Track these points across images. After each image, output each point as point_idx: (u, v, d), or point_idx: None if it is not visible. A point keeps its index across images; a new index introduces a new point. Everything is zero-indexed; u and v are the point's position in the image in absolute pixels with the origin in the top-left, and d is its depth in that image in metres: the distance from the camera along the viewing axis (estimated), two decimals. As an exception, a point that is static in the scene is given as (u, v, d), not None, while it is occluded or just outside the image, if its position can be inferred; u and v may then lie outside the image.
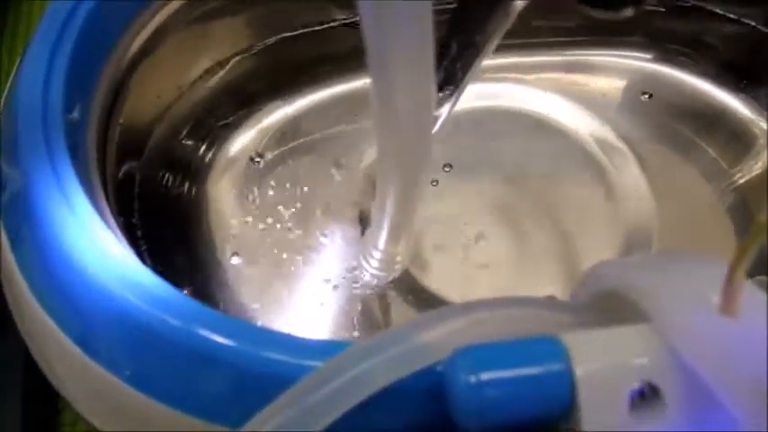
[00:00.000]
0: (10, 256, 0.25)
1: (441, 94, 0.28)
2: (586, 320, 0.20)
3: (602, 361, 0.18)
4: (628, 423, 0.17)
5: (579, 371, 0.17)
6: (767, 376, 0.16)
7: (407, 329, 0.19)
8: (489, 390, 0.17)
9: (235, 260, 0.34)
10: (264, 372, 0.20)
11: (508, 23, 0.24)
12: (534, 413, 0.18)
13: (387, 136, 0.22)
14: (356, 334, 0.32)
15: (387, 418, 0.20)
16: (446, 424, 0.19)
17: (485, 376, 0.17)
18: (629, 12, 0.19)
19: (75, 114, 0.27)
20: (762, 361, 0.16)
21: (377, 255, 0.29)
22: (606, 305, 0.20)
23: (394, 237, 0.27)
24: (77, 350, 0.23)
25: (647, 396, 0.17)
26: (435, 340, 0.19)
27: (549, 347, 0.18)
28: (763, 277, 0.32)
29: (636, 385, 0.17)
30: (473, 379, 0.17)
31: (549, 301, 0.21)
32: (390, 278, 0.32)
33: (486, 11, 0.24)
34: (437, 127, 0.29)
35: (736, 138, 0.38)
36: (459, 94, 0.28)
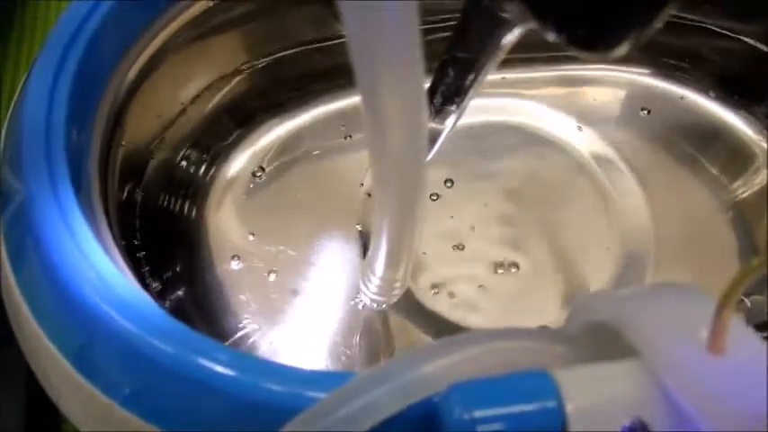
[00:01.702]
0: (10, 274, 0.25)
1: (438, 117, 0.28)
2: (579, 352, 0.20)
3: (592, 397, 0.18)
4: None
5: (570, 407, 0.18)
6: (751, 412, 0.16)
7: (407, 362, 0.19)
8: (482, 426, 0.18)
9: (236, 277, 0.34)
10: (259, 401, 0.21)
11: (502, 55, 0.24)
12: None
13: (381, 165, 0.22)
14: (357, 353, 0.33)
15: None
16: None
17: (478, 413, 0.18)
18: (621, 50, 0.19)
19: (79, 134, 0.27)
20: (748, 399, 0.17)
21: (376, 281, 0.29)
22: (598, 336, 0.20)
23: (392, 264, 0.27)
24: (74, 371, 0.23)
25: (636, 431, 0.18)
26: (434, 373, 0.19)
27: (541, 384, 0.18)
28: (758, 296, 0.32)
29: (626, 421, 0.18)
30: (466, 416, 0.18)
31: (544, 333, 0.21)
32: (390, 302, 0.32)
33: (480, 43, 0.24)
34: (437, 146, 0.29)
35: (734, 153, 0.38)
36: (460, 114, 0.28)
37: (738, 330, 0.18)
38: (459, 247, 0.35)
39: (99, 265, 0.23)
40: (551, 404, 0.18)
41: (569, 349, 0.20)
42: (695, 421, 0.17)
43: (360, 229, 0.36)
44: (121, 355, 0.22)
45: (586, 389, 0.18)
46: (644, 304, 0.20)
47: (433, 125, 0.28)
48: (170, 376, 0.21)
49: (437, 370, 0.19)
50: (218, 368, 0.21)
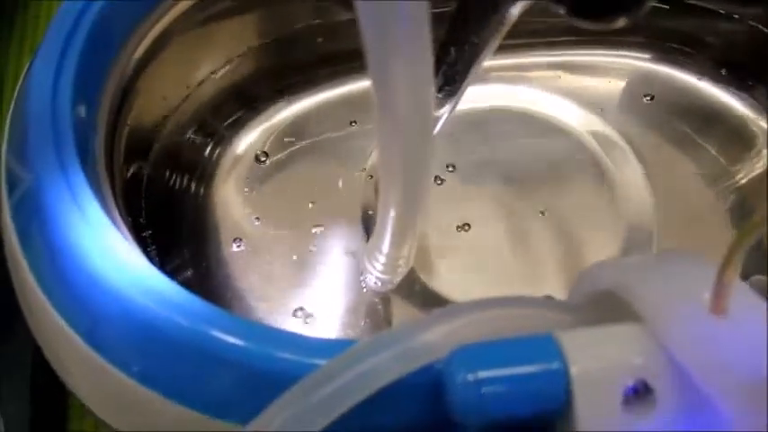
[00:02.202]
0: (19, 255, 0.25)
1: (440, 96, 0.29)
2: (583, 319, 0.20)
3: (596, 359, 0.18)
4: (621, 420, 0.18)
5: (574, 369, 0.18)
6: (755, 374, 0.17)
7: (409, 328, 0.19)
8: (486, 387, 0.18)
9: (239, 258, 0.35)
10: (272, 370, 0.21)
11: (504, 30, 0.25)
12: (530, 410, 0.18)
13: (388, 141, 0.22)
14: (361, 335, 0.33)
15: (387, 415, 0.20)
16: (445, 421, 0.19)
17: (482, 374, 0.18)
18: (621, 22, 0.19)
19: (85, 114, 0.27)
20: (750, 359, 0.17)
21: (381, 259, 0.30)
22: (602, 304, 0.21)
23: (397, 242, 0.28)
24: (86, 347, 0.23)
25: (639, 393, 0.18)
26: (436, 339, 0.19)
27: (545, 346, 0.18)
28: (761, 276, 0.32)
29: (629, 383, 0.18)
30: (471, 377, 0.18)
31: (547, 301, 0.22)
32: (395, 282, 0.32)
33: (482, 18, 0.25)
34: (438, 127, 0.30)
35: (736, 136, 0.38)
36: (459, 97, 0.29)
37: (741, 293, 0.18)
38: (464, 229, 0.36)
39: (110, 241, 0.24)
40: (555, 366, 0.18)
41: (573, 317, 0.20)
42: (698, 382, 0.17)
43: (363, 212, 0.36)
44: (133, 328, 0.22)
45: (590, 351, 0.18)
46: (647, 271, 0.20)
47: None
48: (183, 348, 0.22)
49: (439, 335, 0.19)
50: (230, 338, 0.21)
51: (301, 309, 0.33)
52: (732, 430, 0.17)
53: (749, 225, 0.16)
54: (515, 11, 0.24)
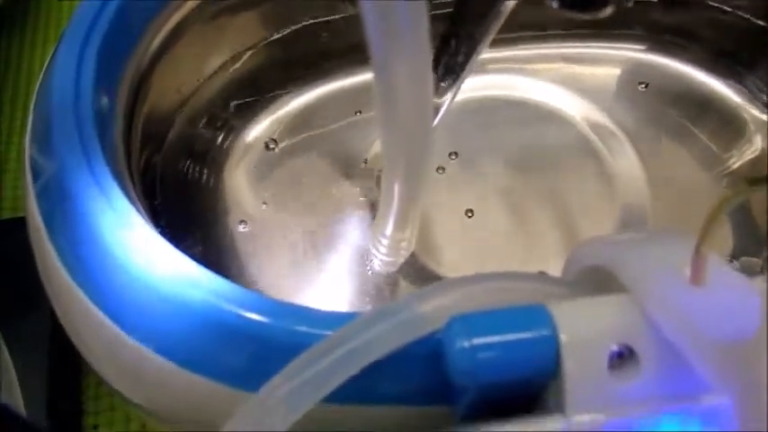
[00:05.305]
0: (45, 238, 0.26)
1: (443, 85, 0.30)
2: (574, 292, 0.21)
3: (583, 326, 0.19)
4: (607, 382, 0.19)
5: (563, 336, 0.19)
6: (728, 337, 0.18)
7: (408, 301, 0.20)
8: (482, 353, 0.19)
9: (247, 242, 0.35)
10: (288, 342, 0.21)
11: (500, 22, 0.26)
12: (523, 374, 0.19)
13: (389, 126, 0.23)
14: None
15: (392, 382, 0.21)
16: (445, 387, 0.20)
17: (477, 341, 0.19)
18: (608, 11, 0.20)
19: (105, 102, 0.28)
20: (724, 324, 0.18)
21: (384, 242, 0.30)
22: (592, 278, 0.22)
23: (400, 223, 0.28)
24: (108, 321, 0.23)
25: (624, 357, 0.19)
26: (433, 311, 0.20)
27: (537, 315, 0.19)
28: (747, 258, 0.34)
29: (614, 348, 0.19)
30: (467, 343, 0.19)
31: (540, 276, 0.23)
32: (398, 263, 0.32)
33: (480, 11, 0.26)
34: (439, 117, 0.31)
35: (727, 124, 0.39)
36: (459, 86, 0.30)
37: (719, 267, 0.19)
38: (467, 215, 0.36)
39: (132, 224, 0.24)
40: (546, 332, 0.19)
41: (565, 290, 0.21)
42: (678, 346, 0.19)
43: (367, 198, 0.37)
44: (155, 304, 0.23)
45: (578, 319, 0.19)
46: (632, 246, 0.21)
47: (434, 99, 0.29)
48: (204, 322, 0.22)
49: (437, 306, 0.20)
50: (248, 313, 0.22)
51: (308, 293, 0.34)
52: (709, 390, 0.19)
53: (720, 203, 0.18)
54: (510, 4, 0.25)
